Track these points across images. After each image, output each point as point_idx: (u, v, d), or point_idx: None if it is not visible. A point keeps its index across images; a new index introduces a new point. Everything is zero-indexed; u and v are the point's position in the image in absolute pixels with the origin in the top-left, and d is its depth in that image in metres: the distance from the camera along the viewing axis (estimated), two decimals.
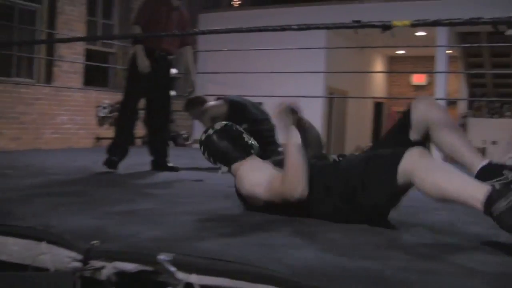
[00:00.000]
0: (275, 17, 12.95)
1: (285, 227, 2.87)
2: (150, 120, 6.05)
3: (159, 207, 3.44)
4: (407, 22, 2.72)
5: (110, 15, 12.50)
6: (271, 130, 6.73)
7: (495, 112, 14.92)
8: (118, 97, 11.79)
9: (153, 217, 3.11)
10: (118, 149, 5.72)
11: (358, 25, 2.78)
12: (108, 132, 11.60)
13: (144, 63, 5.61)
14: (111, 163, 5.59)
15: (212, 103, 6.87)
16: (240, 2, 16.59)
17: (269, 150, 5.97)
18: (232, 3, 16.18)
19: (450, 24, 2.67)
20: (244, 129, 6.75)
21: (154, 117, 5.99)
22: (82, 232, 2.58)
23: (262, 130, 6.52)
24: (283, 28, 2.81)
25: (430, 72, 15.32)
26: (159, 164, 5.97)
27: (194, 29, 13.98)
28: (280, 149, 6.43)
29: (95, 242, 2.35)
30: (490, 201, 2.40)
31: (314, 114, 12.77)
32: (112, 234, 2.58)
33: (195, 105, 6.84)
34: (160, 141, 6.04)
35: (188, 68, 6.22)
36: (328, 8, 13.31)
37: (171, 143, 12.07)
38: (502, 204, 2.36)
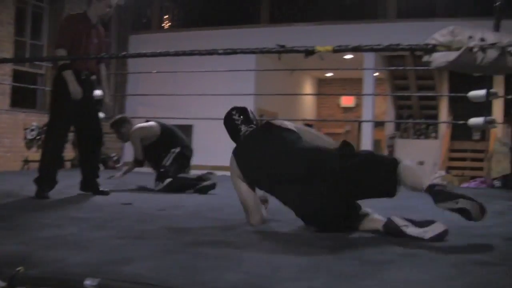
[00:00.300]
0: (205, 39, 13.03)
1: (212, 249, 2.90)
2: (81, 142, 5.95)
3: (86, 232, 3.42)
4: (329, 47, 2.81)
5: (39, 36, 12.35)
6: (192, 155, 7.25)
7: (421, 133, 15.31)
8: (46, 119, 11.67)
9: (80, 241, 3.09)
10: (45, 180, 5.55)
11: (282, 50, 2.85)
12: (37, 155, 11.41)
13: (77, 90, 5.47)
14: (41, 196, 5.43)
15: (143, 124, 6.86)
16: (170, 24, 16.61)
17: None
18: (162, 25, 16.18)
19: (371, 50, 2.77)
20: (177, 152, 6.88)
21: (85, 140, 5.89)
22: (7, 258, 2.55)
23: (189, 156, 7.14)
24: (209, 53, 2.86)
25: (358, 95, 15.61)
26: (89, 186, 5.88)
27: (124, 51, 13.96)
28: None
29: (19, 268, 2.32)
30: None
31: None
32: (38, 260, 2.55)
33: (122, 123, 6.83)
34: (91, 164, 5.94)
35: (103, 87, 6.11)
36: (258, 31, 13.47)
37: (101, 166, 11.99)
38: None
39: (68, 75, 5.46)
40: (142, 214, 4.41)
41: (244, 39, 12.12)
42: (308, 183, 3.50)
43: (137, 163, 6.89)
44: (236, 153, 3.95)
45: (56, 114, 5.65)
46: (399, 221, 3.34)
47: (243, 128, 4.07)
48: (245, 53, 2.79)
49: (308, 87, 18.32)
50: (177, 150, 6.89)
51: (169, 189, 6.46)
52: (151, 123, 6.92)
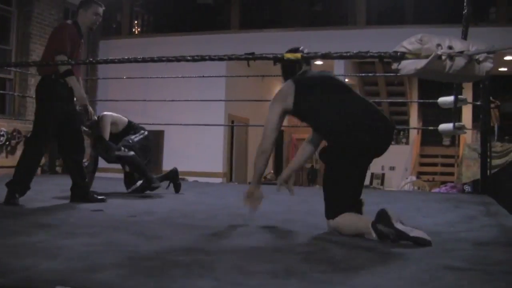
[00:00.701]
0: (176, 45, 13.04)
1: (184, 256, 2.89)
2: (68, 150, 5.84)
3: (56, 239, 3.39)
4: (298, 55, 2.83)
5: (7, 40, 12.23)
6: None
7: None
8: (15, 124, 11.58)
9: (49, 249, 3.06)
10: (18, 185, 5.48)
11: (251, 57, 2.86)
12: (5, 160, 11.31)
13: (83, 96, 5.53)
14: (11, 202, 5.35)
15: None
16: (140, 29, 16.58)
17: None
18: (132, 30, 16.13)
19: (341, 57, 2.79)
20: (146, 135, 6.98)
21: (72, 147, 5.80)
22: None
23: (151, 143, 7.32)
24: (178, 59, 2.86)
25: None
26: (81, 195, 5.81)
27: (95, 57, 13.91)
28: None
29: None
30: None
31: (216, 142, 12.88)
32: (6, 267, 2.52)
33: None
34: (81, 173, 5.85)
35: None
36: (228, 37, 13.50)
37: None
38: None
39: (74, 81, 5.43)
40: (113, 220, 4.39)
41: (214, 45, 12.14)
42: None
43: (100, 142, 6.66)
44: (298, 82, 4.07)
45: (41, 119, 5.56)
46: (392, 214, 3.40)
47: (304, 66, 4.23)
48: (213, 60, 2.79)
49: None
50: (146, 133, 7.08)
51: (129, 162, 6.63)
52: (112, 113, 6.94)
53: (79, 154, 5.80)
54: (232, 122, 14.17)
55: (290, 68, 4.25)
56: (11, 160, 11.54)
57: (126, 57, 3.51)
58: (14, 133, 11.59)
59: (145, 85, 12.42)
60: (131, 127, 7.00)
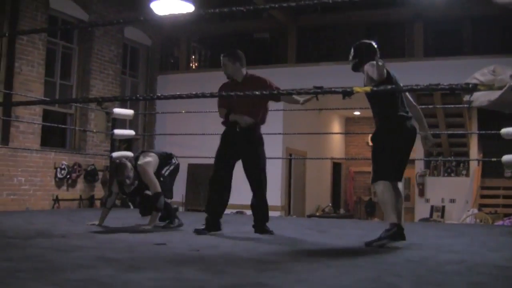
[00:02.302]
0: None
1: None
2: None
3: (122, 273, 3.39)
4: (367, 88, 2.79)
5: (68, 76, 12.49)
6: None
7: (452, 171, 15.15)
8: (76, 158, 11.77)
9: (116, 284, 3.05)
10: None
11: (319, 91, 2.84)
12: (66, 193, 11.48)
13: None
14: (200, 232, 6.08)
15: (146, 159, 6.73)
16: (197, 64, 16.77)
17: None
18: (190, 64, 16.32)
19: (412, 89, 2.74)
20: (175, 165, 6.93)
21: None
22: None
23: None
24: (238, 95, 2.84)
25: None
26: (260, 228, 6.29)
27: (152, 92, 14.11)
28: None
29: None
30: None
31: (274, 175, 12.83)
32: None
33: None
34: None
35: None
36: (284, 70, 13.51)
37: (130, 205, 12.00)
38: None
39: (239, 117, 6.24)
40: (176, 254, 4.38)
41: (271, 79, 12.14)
42: None
43: (158, 199, 6.54)
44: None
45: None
46: None
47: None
48: (280, 94, 2.77)
49: (336, 126, 18.31)
50: (174, 162, 7.18)
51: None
52: (148, 157, 6.82)
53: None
54: (290, 155, 14.14)
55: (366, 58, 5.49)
56: (72, 193, 11.72)
57: (185, 93, 3.53)
58: (75, 167, 11.77)
59: (203, 119, 12.45)
60: (161, 161, 6.94)
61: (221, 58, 6.49)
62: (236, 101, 6.11)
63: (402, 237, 4.95)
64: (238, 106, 6.15)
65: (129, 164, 6.50)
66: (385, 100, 5.12)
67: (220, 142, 6.40)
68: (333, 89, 2.79)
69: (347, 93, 2.80)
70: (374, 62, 4.65)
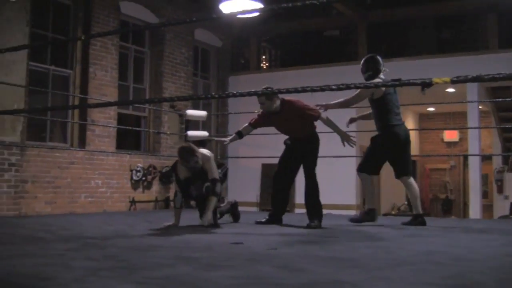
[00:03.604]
0: (303, 78, 13.06)
1: None
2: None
3: (199, 271, 3.39)
4: (447, 79, 2.70)
5: (141, 79, 12.67)
6: None
7: None
8: (151, 160, 11.94)
9: (196, 281, 3.06)
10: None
11: (397, 83, 2.77)
12: (142, 195, 11.65)
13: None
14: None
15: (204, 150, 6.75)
16: (267, 64, 16.78)
17: None
18: (261, 65, 16.34)
19: (493, 79, 2.64)
20: (227, 168, 7.46)
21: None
22: None
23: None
24: (322, 89, 2.80)
25: (463, 128, 15.17)
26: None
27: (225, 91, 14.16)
28: None
29: None
30: None
31: (348, 174, 12.72)
32: None
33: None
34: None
35: None
36: (357, 67, 13.35)
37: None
38: None
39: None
40: (253, 253, 4.36)
41: (342, 77, 11.99)
42: None
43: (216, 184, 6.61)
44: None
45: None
46: None
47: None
48: (358, 88, 2.72)
49: (410, 122, 18.01)
50: (227, 166, 7.69)
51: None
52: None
53: None
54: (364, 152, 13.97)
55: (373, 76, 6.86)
56: (148, 195, 11.88)
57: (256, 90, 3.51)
58: (150, 169, 11.92)
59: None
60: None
61: (258, 99, 7.20)
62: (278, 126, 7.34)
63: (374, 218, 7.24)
64: (280, 127, 7.40)
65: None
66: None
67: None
68: (411, 80, 2.72)
69: (426, 85, 2.73)
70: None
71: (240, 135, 7.55)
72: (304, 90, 2.82)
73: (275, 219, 7.21)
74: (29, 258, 3.81)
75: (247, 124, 7.60)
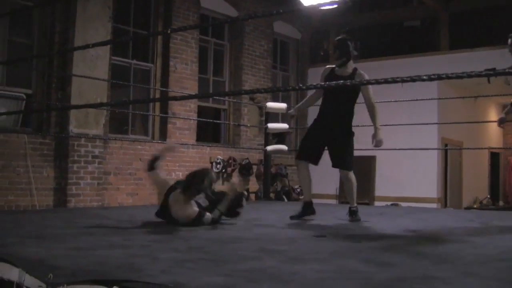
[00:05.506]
0: (382, 69, 12.85)
1: (420, 285, 2.74)
2: None
3: (285, 264, 3.37)
4: None
5: (221, 72, 12.75)
6: None
7: None
8: (230, 152, 12.01)
9: (283, 274, 3.04)
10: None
11: (492, 73, 2.66)
12: (222, 187, 11.71)
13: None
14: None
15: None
16: None
17: None
18: None
19: None
20: None
21: None
22: None
23: None
24: (413, 79, 2.73)
25: None
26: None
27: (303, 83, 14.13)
28: None
29: None
30: None
31: (429, 166, 12.50)
32: None
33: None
34: None
35: None
36: (436, 58, 13.11)
37: (284, 198, 12.09)
38: None
39: None
40: (338, 246, 4.32)
41: (422, 68, 11.78)
42: None
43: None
44: None
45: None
46: None
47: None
48: (450, 78, 2.63)
49: (493, 114, 17.52)
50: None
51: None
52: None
53: None
54: (446, 145, 13.68)
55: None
56: (228, 186, 11.93)
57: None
58: (230, 161, 11.99)
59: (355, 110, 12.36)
60: None
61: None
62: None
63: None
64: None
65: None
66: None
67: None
68: (507, 69, 2.61)
69: None
70: None
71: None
72: (394, 80, 2.75)
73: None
74: (117, 249, 3.87)
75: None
